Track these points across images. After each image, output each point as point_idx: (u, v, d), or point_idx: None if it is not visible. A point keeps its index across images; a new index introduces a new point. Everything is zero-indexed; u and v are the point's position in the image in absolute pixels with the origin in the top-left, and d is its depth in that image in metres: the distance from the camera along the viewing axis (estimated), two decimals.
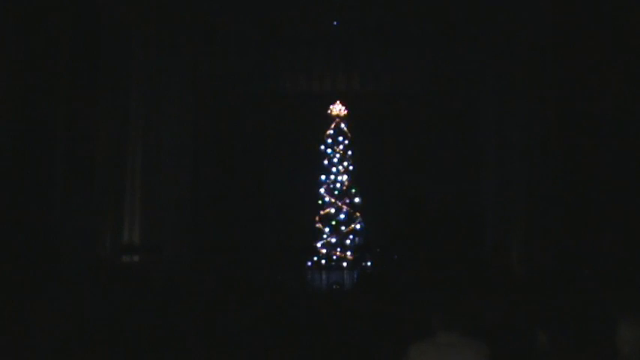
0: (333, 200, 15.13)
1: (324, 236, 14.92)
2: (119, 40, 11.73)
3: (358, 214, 15.11)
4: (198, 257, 12.71)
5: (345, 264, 14.61)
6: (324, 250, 14.79)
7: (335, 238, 14.89)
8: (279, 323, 6.24)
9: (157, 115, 12.70)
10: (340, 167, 15.36)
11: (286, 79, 14.82)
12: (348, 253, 14.78)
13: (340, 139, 15.47)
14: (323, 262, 14.63)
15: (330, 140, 15.46)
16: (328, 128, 15.47)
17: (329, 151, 15.43)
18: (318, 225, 14.99)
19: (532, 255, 11.57)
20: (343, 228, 14.97)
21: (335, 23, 13.47)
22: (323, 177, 15.29)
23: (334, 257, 14.76)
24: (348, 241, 14.90)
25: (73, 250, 10.25)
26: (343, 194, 15.22)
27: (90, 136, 11.16)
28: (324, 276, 13.64)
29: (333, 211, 15.09)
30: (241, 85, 14.51)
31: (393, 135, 15.03)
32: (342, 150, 15.43)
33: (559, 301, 6.88)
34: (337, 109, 15.48)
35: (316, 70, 14.64)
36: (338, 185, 15.28)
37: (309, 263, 14.50)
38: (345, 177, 15.35)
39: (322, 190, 15.22)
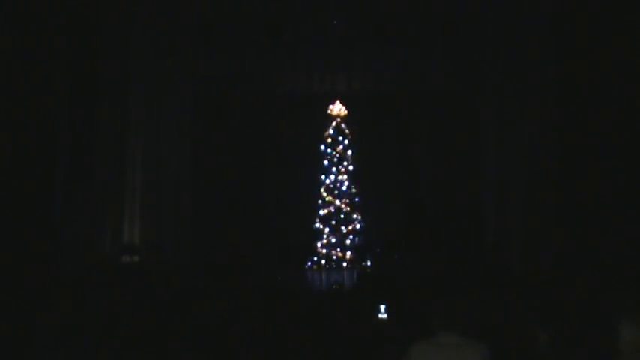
0: (333, 200, 15.13)
1: (324, 236, 14.91)
2: (119, 41, 11.73)
3: (358, 214, 15.10)
4: (198, 257, 12.71)
5: (345, 264, 14.60)
6: (324, 250, 14.79)
7: (335, 238, 14.88)
8: (279, 323, 6.24)
9: (157, 114, 12.70)
10: (340, 167, 15.36)
11: (286, 79, 14.81)
12: (348, 253, 14.78)
13: (340, 139, 15.46)
14: (323, 262, 14.63)
15: (330, 140, 15.45)
16: (328, 128, 15.46)
17: (329, 151, 15.42)
18: (318, 225, 14.99)
19: (532, 255, 11.57)
20: (343, 228, 14.96)
21: (335, 23, 13.46)
22: (323, 177, 15.28)
23: (334, 257, 14.76)
24: (348, 241, 14.89)
25: (74, 250, 10.26)
26: (343, 194, 15.22)
27: (90, 136, 11.17)
28: (324, 276, 13.64)
29: (333, 211, 15.09)
30: (241, 85, 14.50)
31: (393, 135, 15.02)
32: (342, 150, 15.42)
33: (559, 300, 6.88)
34: (337, 109, 15.47)
35: (316, 70, 14.62)
36: (338, 185, 15.28)
37: (309, 263, 14.50)
38: (345, 177, 15.34)
39: (322, 190, 15.21)
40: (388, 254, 13.64)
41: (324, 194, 15.18)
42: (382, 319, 6.93)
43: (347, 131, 15.47)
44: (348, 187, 15.26)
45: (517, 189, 12.31)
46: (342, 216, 15.03)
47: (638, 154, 10.53)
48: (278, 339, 5.86)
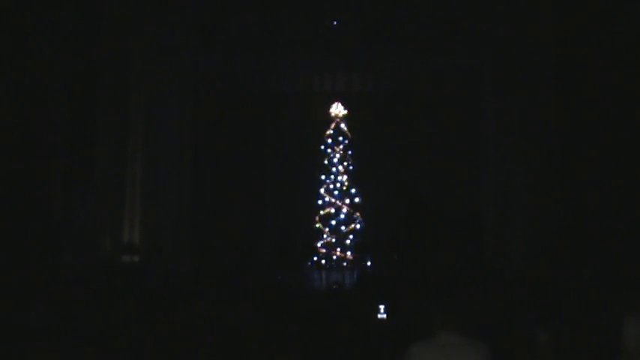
0: (333, 200, 15.13)
1: (324, 236, 14.92)
2: (119, 40, 11.73)
3: (358, 214, 15.11)
4: (199, 257, 12.71)
5: (345, 264, 14.61)
6: (324, 250, 14.79)
7: (335, 238, 14.89)
8: (279, 323, 6.24)
9: (157, 115, 12.71)
10: (340, 167, 15.36)
11: (286, 79, 14.82)
12: (348, 253, 14.78)
13: (340, 139, 15.47)
14: (323, 262, 14.63)
15: (330, 140, 15.46)
16: (328, 128, 15.47)
17: (329, 151, 15.43)
18: (318, 225, 14.99)
19: (532, 255, 11.56)
20: (343, 228, 14.97)
21: (335, 23, 13.48)
22: (323, 177, 15.29)
23: (334, 257, 14.77)
24: (348, 241, 14.90)
25: (74, 250, 10.26)
26: (343, 194, 15.22)
27: (90, 136, 11.17)
28: (324, 276, 13.63)
29: (333, 211, 15.09)
30: (241, 85, 14.50)
31: (393, 135, 15.01)
32: (342, 150, 15.43)
33: (559, 301, 6.88)
34: (337, 109, 15.49)
35: (316, 70, 14.64)
36: (338, 185, 15.28)
37: (309, 263, 14.50)
38: (345, 177, 15.35)
39: (322, 190, 15.22)
40: (388, 254, 13.64)
41: (324, 194, 15.19)
42: (382, 319, 6.93)
43: (347, 131, 15.48)
44: (348, 187, 15.27)
45: (517, 189, 12.31)
46: (342, 216, 15.04)
47: (639, 154, 10.53)
48: (278, 339, 5.86)
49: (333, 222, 15.01)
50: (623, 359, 3.44)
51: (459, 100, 14.19)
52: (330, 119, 15.50)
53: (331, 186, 15.27)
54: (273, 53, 13.60)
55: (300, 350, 5.78)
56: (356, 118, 15.45)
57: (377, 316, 6.94)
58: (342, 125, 15.52)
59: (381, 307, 6.93)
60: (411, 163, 14.85)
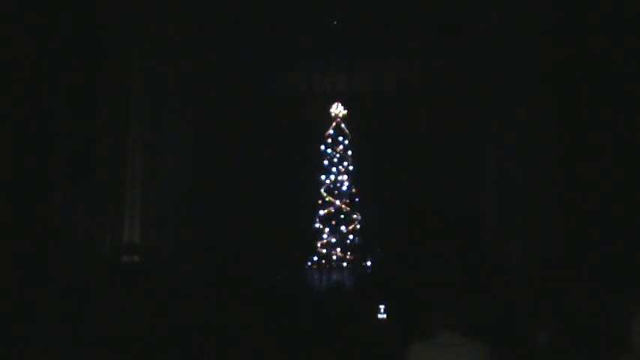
0: (333, 200, 15.13)
1: (324, 236, 14.92)
2: (120, 40, 11.73)
3: (358, 214, 15.11)
4: (198, 257, 12.71)
5: (345, 264, 14.61)
6: (324, 250, 14.79)
7: (335, 238, 14.89)
8: (279, 323, 6.25)
9: (157, 114, 12.71)
10: (340, 167, 15.37)
11: (286, 79, 14.82)
12: (348, 253, 14.78)
13: (340, 139, 15.48)
14: (323, 262, 14.64)
15: (330, 140, 15.46)
16: (328, 128, 15.48)
17: (329, 151, 15.43)
18: (318, 225, 14.99)
19: (532, 255, 11.57)
20: (343, 228, 14.97)
21: (335, 23, 13.48)
22: (323, 177, 15.29)
23: (334, 257, 14.77)
24: (348, 241, 14.90)
25: (73, 250, 10.25)
26: (343, 194, 15.22)
27: (90, 136, 11.16)
28: (324, 276, 13.64)
29: (333, 211, 15.09)
30: (241, 85, 14.51)
31: (393, 135, 15.01)
32: (342, 150, 15.43)
33: (559, 301, 6.89)
34: (337, 109, 15.49)
35: (316, 70, 14.65)
36: (338, 185, 15.28)
37: (309, 263, 14.51)
38: (345, 177, 15.35)
39: (322, 190, 15.22)
40: (388, 254, 13.65)
41: (324, 194, 15.19)
42: (382, 319, 6.94)
43: (347, 131, 15.49)
44: (348, 187, 15.27)
45: (517, 189, 12.31)
46: (342, 216, 15.04)
47: (639, 154, 10.53)
48: (278, 339, 5.86)
49: (333, 222, 15.00)
50: (631, 358, 3.45)
51: (459, 100, 14.18)
52: (330, 119, 15.51)
53: (331, 186, 15.28)
54: (273, 53, 13.60)
55: (300, 350, 5.78)
56: (356, 118, 15.45)
57: (377, 316, 6.94)
58: (342, 125, 15.52)
59: (381, 307, 6.93)
60: (411, 163, 14.85)
